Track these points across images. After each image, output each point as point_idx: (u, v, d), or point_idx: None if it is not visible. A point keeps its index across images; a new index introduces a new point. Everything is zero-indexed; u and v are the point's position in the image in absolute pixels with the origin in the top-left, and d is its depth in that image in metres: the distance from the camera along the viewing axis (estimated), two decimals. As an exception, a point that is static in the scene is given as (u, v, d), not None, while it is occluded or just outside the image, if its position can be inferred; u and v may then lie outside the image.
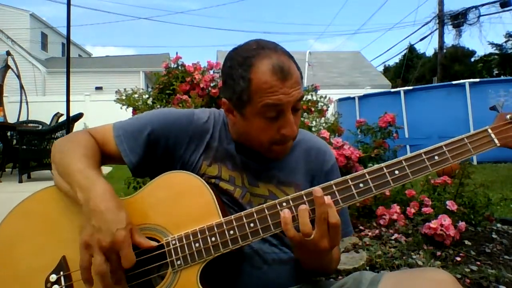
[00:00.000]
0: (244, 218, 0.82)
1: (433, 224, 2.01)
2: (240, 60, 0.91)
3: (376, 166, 0.83)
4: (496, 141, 0.83)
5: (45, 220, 0.90)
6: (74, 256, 0.84)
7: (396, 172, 0.82)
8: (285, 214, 0.78)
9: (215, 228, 0.82)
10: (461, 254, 1.94)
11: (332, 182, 0.82)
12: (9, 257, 0.87)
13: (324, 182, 0.93)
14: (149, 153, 0.99)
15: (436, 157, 0.82)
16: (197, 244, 0.82)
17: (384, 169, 0.82)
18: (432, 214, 2.21)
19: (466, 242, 2.10)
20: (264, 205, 0.82)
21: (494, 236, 2.25)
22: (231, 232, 0.82)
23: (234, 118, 0.98)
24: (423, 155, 0.83)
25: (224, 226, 0.82)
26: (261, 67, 0.88)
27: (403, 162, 0.83)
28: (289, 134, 0.90)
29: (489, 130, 0.84)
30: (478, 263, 1.84)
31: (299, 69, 0.94)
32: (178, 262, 0.81)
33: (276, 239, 0.95)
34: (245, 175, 0.99)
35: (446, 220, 2.01)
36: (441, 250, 1.98)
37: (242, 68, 0.89)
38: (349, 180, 0.82)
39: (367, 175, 0.82)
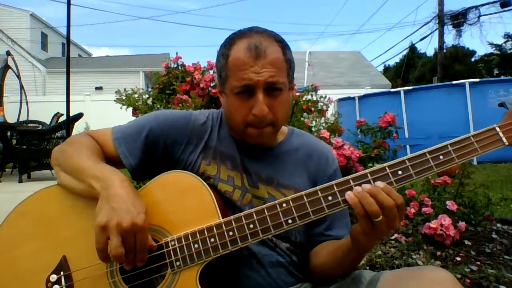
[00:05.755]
0: (243, 219, 0.81)
1: (433, 224, 2.01)
2: (227, 40, 0.96)
3: (379, 166, 0.80)
4: (505, 140, 0.78)
5: (45, 220, 0.89)
6: (75, 256, 0.85)
7: (399, 172, 0.79)
8: (350, 194, 0.76)
9: (214, 229, 0.82)
10: (461, 254, 1.94)
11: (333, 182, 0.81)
12: (9, 259, 0.87)
13: None
14: (148, 155, 0.99)
15: (441, 157, 0.79)
16: (196, 245, 0.81)
17: (387, 169, 0.79)
18: (432, 214, 2.21)
19: (466, 242, 2.10)
20: (264, 206, 0.81)
21: (494, 236, 2.25)
22: (230, 233, 0.81)
23: (222, 100, 1.00)
24: (427, 154, 0.79)
25: (224, 227, 0.81)
26: (239, 44, 0.91)
27: (407, 162, 0.79)
28: (257, 114, 0.89)
29: (497, 129, 0.79)
30: (478, 263, 1.84)
31: (288, 56, 0.93)
32: (178, 263, 0.81)
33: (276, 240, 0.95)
34: (245, 175, 0.98)
35: (446, 220, 2.01)
36: (441, 250, 1.98)
37: (225, 47, 0.94)
38: (351, 181, 0.80)
39: (369, 175, 0.79)
